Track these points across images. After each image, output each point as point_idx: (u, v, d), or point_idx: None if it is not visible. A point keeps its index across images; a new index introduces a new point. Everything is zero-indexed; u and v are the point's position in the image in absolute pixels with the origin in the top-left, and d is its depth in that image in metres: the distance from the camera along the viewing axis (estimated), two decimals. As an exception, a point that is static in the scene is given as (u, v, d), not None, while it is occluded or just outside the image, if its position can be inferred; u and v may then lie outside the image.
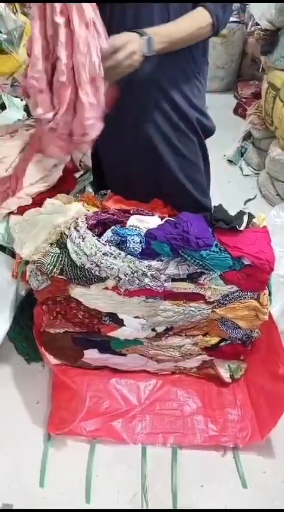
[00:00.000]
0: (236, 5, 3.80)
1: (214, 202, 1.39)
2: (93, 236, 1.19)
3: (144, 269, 1.18)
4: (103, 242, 1.19)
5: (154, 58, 1.13)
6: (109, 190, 1.44)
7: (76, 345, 1.51)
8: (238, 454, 1.45)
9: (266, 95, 2.64)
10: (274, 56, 2.58)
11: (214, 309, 1.32)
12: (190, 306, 1.31)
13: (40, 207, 1.32)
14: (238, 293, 1.28)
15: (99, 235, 1.22)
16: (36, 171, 1.39)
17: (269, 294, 1.31)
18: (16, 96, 2.19)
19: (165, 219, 1.24)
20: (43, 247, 1.23)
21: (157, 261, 1.19)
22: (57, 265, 1.21)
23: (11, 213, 1.39)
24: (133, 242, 1.17)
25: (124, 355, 1.54)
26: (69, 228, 1.22)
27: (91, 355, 1.55)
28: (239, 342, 1.45)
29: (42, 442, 1.47)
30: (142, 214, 1.28)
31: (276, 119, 2.55)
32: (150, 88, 1.25)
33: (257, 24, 2.85)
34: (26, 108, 2.05)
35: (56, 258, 1.21)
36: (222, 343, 1.46)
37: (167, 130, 1.32)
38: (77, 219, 1.23)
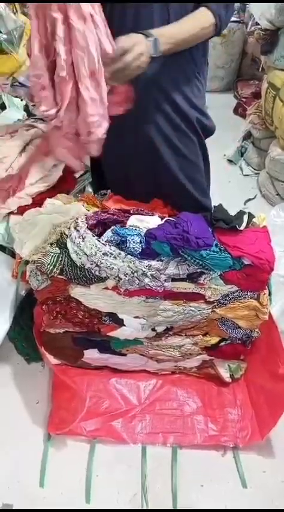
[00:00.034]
0: (236, 5, 3.79)
1: (214, 202, 1.39)
2: (93, 236, 1.19)
3: (144, 269, 1.18)
4: (103, 242, 1.19)
5: (158, 59, 1.13)
6: (109, 190, 1.44)
7: (76, 344, 1.51)
8: (238, 454, 1.45)
9: (266, 94, 2.64)
10: (274, 56, 2.58)
11: (214, 309, 1.32)
12: (190, 306, 1.31)
13: (40, 207, 1.32)
14: (238, 293, 1.28)
15: (99, 235, 1.22)
16: (36, 171, 1.39)
17: (269, 294, 1.31)
18: (16, 96, 2.19)
19: (165, 219, 1.24)
20: (43, 247, 1.23)
21: (157, 261, 1.19)
22: (57, 265, 1.21)
23: (11, 213, 1.39)
24: (133, 242, 1.17)
25: (124, 355, 1.54)
26: (69, 228, 1.22)
27: (91, 355, 1.55)
28: (239, 342, 1.45)
29: (42, 442, 1.47)
30: (142, 214, 1.28)
31: (276, 118, 2.55)
32: (150, 88, 1.25)
33: (257, 23, 2.85)
34: (26, 108, 2.05)
35: (56, 258, 1.21)
36: (222, 343, 1.46)
37: (168, 131, 1.32)
38: (77, 219, 1.23)
